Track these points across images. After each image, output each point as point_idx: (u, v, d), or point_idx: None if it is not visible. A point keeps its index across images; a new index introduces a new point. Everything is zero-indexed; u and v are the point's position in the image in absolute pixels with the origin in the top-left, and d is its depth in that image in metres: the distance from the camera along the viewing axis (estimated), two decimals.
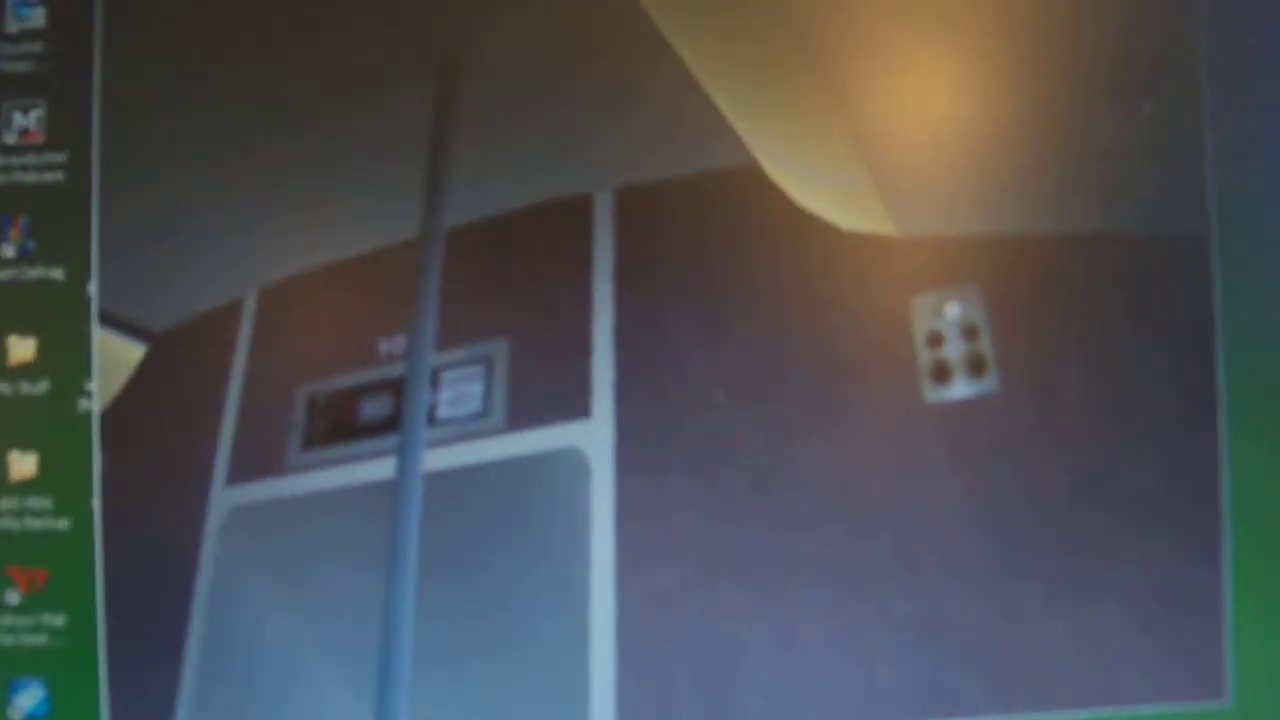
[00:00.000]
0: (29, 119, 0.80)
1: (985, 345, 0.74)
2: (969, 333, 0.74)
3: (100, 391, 0.80)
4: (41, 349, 0.79)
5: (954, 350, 0.74)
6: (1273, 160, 0.75)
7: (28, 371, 0.79)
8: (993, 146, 0.76)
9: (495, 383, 0.77)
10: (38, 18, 0.80)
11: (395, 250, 0.80)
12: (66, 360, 0.80)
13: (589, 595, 0.73)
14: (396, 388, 0.78)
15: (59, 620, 0.79)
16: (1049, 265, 0.74)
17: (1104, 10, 0.76)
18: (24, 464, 0.78)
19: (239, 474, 0.79)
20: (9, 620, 0.78)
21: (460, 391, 0.77)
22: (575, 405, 0.76)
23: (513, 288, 0.79)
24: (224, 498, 0.79)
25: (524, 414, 0.76)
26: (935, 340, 0.74)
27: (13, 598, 0.78)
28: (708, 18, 0.77)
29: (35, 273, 0.80)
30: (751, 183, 0.77)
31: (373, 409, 0.78)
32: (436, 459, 0.77)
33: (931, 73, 0.77)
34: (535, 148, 0.80)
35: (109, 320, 0.81)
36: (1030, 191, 0.75)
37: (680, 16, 0.77)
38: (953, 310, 0.74)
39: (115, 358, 0.82)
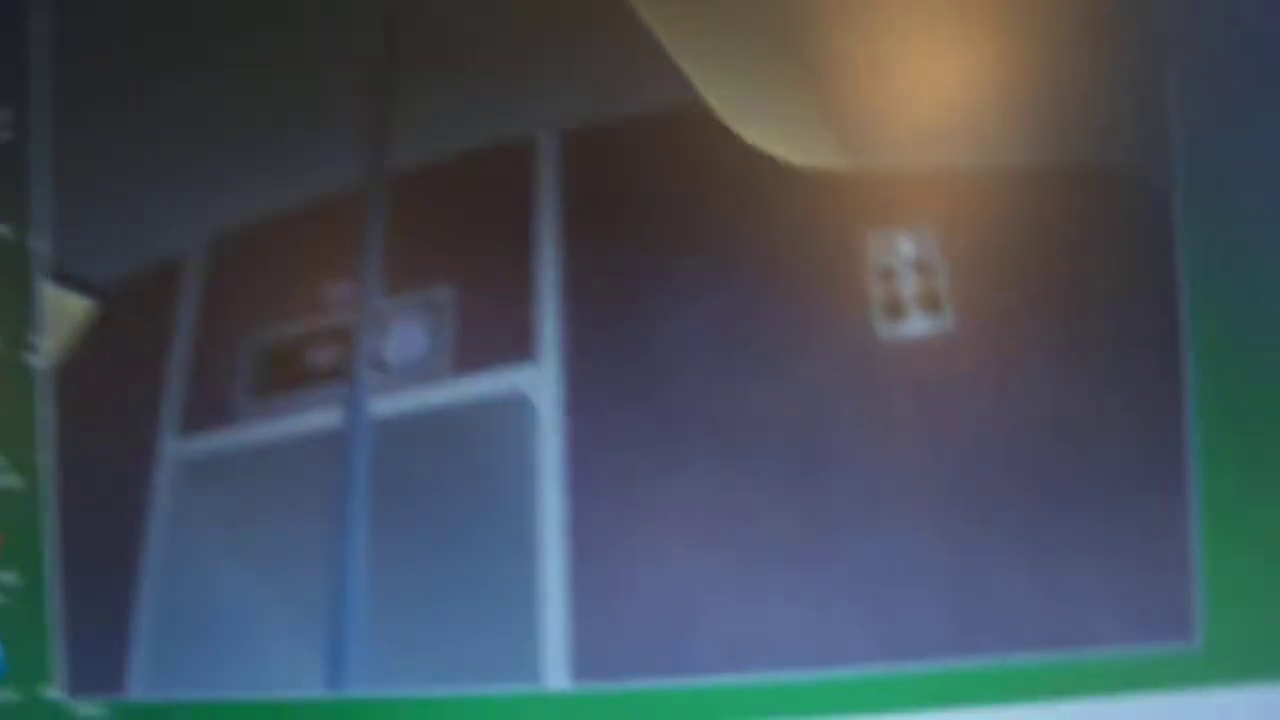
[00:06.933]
0: None
1: (940, 282, 0.64)
2: (923, 269, 0.65)
3: (47, 347, 0.72)
4: None
5: (908, 287, 0.65)
6: (1234, 90, 0.66)
7: None
8: (950, 79, 0.67)
9: (442, 328, 0.69)
10: None
11: (340, 197, 0.72)
12: (13, 317, 0.73)
13: (538, 543, 0.65)
14: (344, 335, 0.70)
15: (11, 578, 0.72)
16: (1005, 200, 0.66)
17: None
18: None
19: (189, 425, 0.71)
20: None
21: (407, 338, 0.69)
22: (522, 350, 0.67)
23: (458, 232, 0.71)
24: (174, 449, 0.71)
25: (470, 359, 0.68)
26: (888, 277, 0.65)
27: None
28: None
29: None
30: (699, 122, 0.69)
31: (321, 356, 0.70)
32: (384, 405, 0.68)
33: (886, 5, 0.67)
34: (479, 89, 0.72)
35: (55, 275, 0.73)
36: (988, 125, 0.67)
37: None
38: (906, 246, 0.65)
39: (62, 312, 0.74)
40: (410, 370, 0.71)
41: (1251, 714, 0.65)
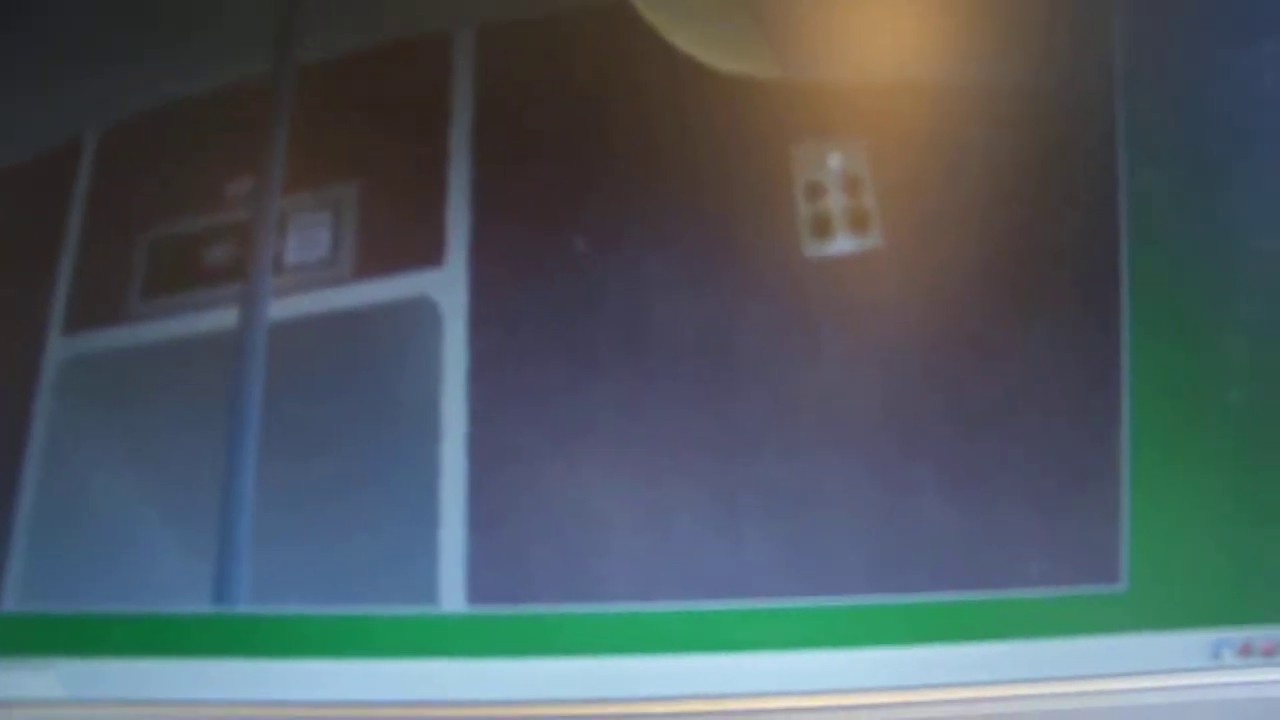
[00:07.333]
0: None
1: (869, 199, 0.62)
2: (852, 185, 0.62)
3: None
4: None
5: (836, 203, 0.62)
6: (1176, 10, 0.63)
7: None
8: None
9: (344, 228, 0.66)
10: None
11: (242, 88, 0.69)
12: None
13: (439, 455, 0.62)
14: (241, 232, 0.66)
15: None
16: (940, 116, 0.63)
17: None
18: None
19: (76, 322, 0.68)
20: None
21: (307, 237, 0.66)
22: (428, 253, 0.64)
23: (364, 129, 0.68)
24: (60, 347, 0.67)
25: (373, 261, 0.65)
26: (816, 192, 0.63)
27: None
28: None
29: None
30: (621, 21, 0.66)
31: (217, 254, 0.66)
32: (282, 308, 0.66)
33: None
34: None
35: None
36: (926, 39, 0.64)
37: None
38: (835, 161, 0.63)
39: None
40: (310, 271, 0.67)
41: (1175, 659, 0.63)
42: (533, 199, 0.66)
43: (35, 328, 0.71)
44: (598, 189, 0.66)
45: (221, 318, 0.68)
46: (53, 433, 0.69)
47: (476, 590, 0.64)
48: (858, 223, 0.64)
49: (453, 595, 0.64)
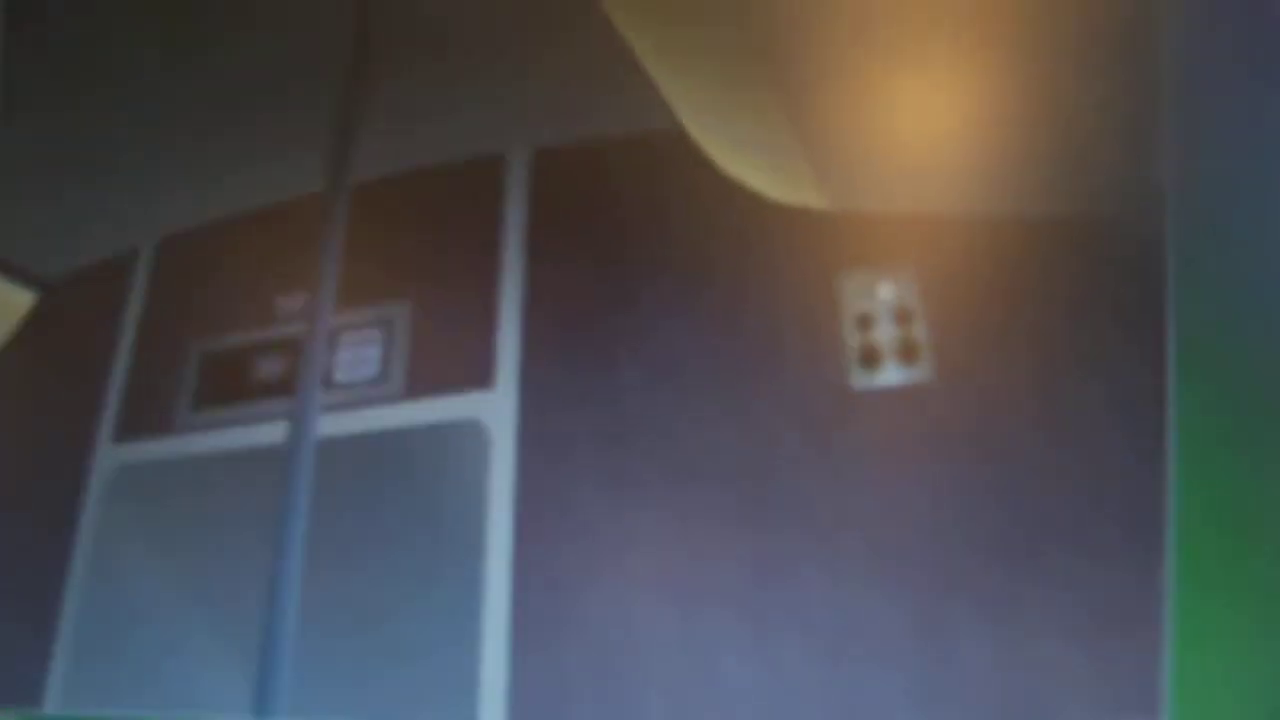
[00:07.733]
0: None
1: (919, 331, 0.61)
2: (902, 316, 0.62)
3: None
4: None
5: (885, 334, 0.62)
6: (1231, 145, 0.63)
7: None
8: (942, 123, 0.64)
9: (395, 347, 0.66)
10: None
11: (298, 205, 0.69)
12: None
13: (483, 578, 0.62)
14: (293, 348, 0.66)
15: None
16: (992, 249, 0.62)
17: None
18: None
19: (127, 431, 0.68)
20: None
21: (358, 355, 0.66)
22: (478, 375, 0.64)
23: (418, 249, 0.68)
24: (111, 455, 0.67)
25: (423, 381, 0.65)
26: (865, 323, 0.62)
27: None
28: None
29: None
30: (676, 148, 0.66)
31: (267, 369, 0.67)
32: (331, 424, 0.65)
33: (879, 44, 0.64)
34: (448, 103, 0.69)
35: None
36: (977, 172, 0.63)
37: None
38: (886, 291, 0.63)
39: (3, 304, 0.70)
40: (360, 389, 0.68)
41: None
42: (582, 324, 0.66)
43: (86, 434, 0.71)
44: (647, 314, 0.66)
45: (270, 432, 0.69)
46: (99, 539, 0.69)
47: (518, 714, 0.63)
48: (907, 353, 0.63)
49: (493, 717, 0.64)
